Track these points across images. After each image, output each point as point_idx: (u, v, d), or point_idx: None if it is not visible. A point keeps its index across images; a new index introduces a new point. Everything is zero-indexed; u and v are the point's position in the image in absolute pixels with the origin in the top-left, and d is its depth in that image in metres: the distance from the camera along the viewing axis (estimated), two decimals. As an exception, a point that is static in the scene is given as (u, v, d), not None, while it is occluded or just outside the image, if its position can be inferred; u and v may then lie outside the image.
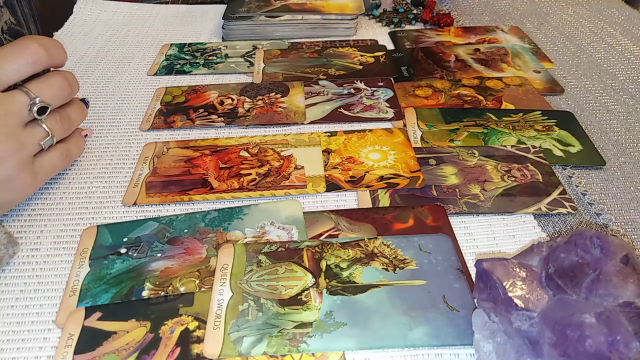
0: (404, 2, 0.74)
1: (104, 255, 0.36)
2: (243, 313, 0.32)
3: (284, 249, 0.36)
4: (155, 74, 0.58)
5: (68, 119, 0.40)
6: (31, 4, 0.39)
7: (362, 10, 0.65)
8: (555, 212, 0.39)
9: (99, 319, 0.32)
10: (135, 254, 0.36)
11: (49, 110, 0.36)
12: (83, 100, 0.43)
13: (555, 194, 0.41)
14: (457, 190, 0.41)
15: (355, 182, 0.42)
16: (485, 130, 0.48)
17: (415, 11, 0.71)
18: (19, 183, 0.36)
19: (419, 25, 0.69)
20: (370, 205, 0.40)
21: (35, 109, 0.35)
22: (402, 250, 0.35)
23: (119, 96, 0.54)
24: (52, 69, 0.38)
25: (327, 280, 0.33)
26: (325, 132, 0.48)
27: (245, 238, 0.37)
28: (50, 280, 0.35)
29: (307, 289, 0.33)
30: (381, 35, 0.66)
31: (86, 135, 0.45)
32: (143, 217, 0.39)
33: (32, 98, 0.35)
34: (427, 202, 0.40)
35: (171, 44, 0.64)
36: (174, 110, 0.51)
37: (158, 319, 0.31)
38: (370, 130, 0.48)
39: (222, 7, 0.70)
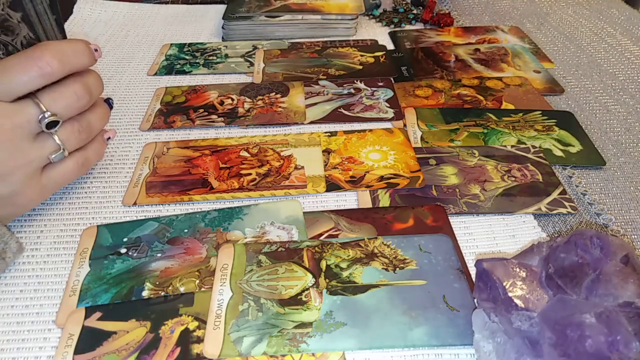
0: (404, 2, 0.74)
1: (104, 255, 0.36)
2: (243, 313, 0.32)
3: (284, 249, 0.36)
4: (155, 74, 0.58)
5: (87, 128, 0.37)
6: (58, 18, 0.37)
7: (362, 10, 0.65)
8: (555, 212, 0.39)
9: (99, 319, 0.32)
10: (135, 254, 0.36)
11: (60, 123, 0.34)
12: (107, 100, 0.40)
13: (555, 194, 0.41)
14: (457, 190, 0.41)
15: (355, 182, 0.42)
16: (485, 130, 0.48)
17: (415, 11, 0.71)
18: (23, 198, 0.34)
19: (419, 25, 0.69)
20: (370, 205, 0.40)
21: (44, 122, 0.33)
22: (402, 250, 0.35)
23: (119, 96, 0.54)
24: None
25: (327, 280, 0.33)
26: (325, 132, 0.48)
27: (245, 238, 0.37)
28: (50, 280, 0.35)
29: (307, 289, 0.33)
30: (381, 35, 0.66)
31: (109, 137, 0.41)
32: (143, 217, 0.39)
33: (42, 111, 0.33)
34: (427, 202, 0.40)
35: (171, 44, 0.64)
36: (174, 110, 0.51)
37: (158, 319, 0.31)
38: (370, 130, 0.48)
39: (222, 7, 0.70)
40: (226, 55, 0.61)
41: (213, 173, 0.43)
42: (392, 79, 0.56)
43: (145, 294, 0.33)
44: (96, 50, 0.36)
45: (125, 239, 0.37)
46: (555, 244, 0.28)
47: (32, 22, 0.35)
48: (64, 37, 0.38)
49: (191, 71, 0.58)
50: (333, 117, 0.50)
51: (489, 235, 0.38)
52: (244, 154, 0.45)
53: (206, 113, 0.51)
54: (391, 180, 0.42)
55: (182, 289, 0.33)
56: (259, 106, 0.51)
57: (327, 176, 0.42)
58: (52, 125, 0.34)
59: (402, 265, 0.34)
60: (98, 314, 0.32)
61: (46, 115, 0.33)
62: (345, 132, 0.48)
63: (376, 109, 0.51)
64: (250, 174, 0.43)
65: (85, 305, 0.33)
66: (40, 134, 0.34)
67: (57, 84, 0.34)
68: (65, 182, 0.38)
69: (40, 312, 0.33)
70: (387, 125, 0.49)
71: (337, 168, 0.43)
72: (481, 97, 0.53)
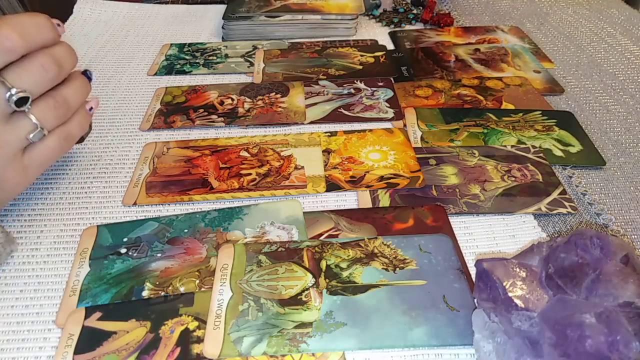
0: (404, 2, 0.74)
1: (104, 255, 0.36)
2: (243, 313, 0.32)
3: (284, 249, 0.36)
4: (155, 74, 0.58)
5: (64, 102, 0.35)
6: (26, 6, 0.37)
7: (362, 10, 0.65)
8: (555, 212, 0.39)
9: (99, 319, 0.32)
10: (135, 254, 0.36)
11: (31, 99, 0.32)
12: (85, 73, 0.38)
13: (555, 194, 0.41)
14: (457, 190, 0.41)
15: (355, 182, 0.42)
16: (485, 130, 0.48)
17: (415, 11, 0.71)
18: (6, 183, 0.33)
19: (419, 25, 0.69)
20: (370, 205, 0.40)
21: (12, 100, 0.31)
22: (402, 250, 0.35)
23: (119, 96, 0.54)
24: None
25: (327, 280, 0.33)
26: (325, 132, 0.48)
27: (245, 238, 0.37)
28: (50, 280, 0.35)
29: (307, 289, 0.33)
30: (381, 35, 0.66)
31: (91, 108, 0.39)
32: (143, 217, 0.39)
33: (8, 88, 0.31)
34: (427, 202, 0.40)
35: (171, 44, 0.64)
36: (174, 110, 0.51)
37: (158, 319, 0.31)
38: (370, 130, 0.48)
39: (222, 7, 0.70)
40: (226, 55, 0.61)
41: (213, 173, 0.43)
42: (392, 79, 0.56)
43: (145, 294, 0.33)
44: (59, 25, 0.34)
45: (125, 239, 0.37)
46: (555, 244, 0.28)
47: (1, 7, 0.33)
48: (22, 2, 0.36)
49: (191, 71, 0.58)
50: (333, 117, 0.50)
51: (489, 235, 0.38)
52: (244, 154, 0.45)
53: (206, 113, 0.51)
54: (391, 180, 0.42)
55: (182, 289, 0.33)
56: (259, 106, 0.51)
57: (327, 176, 0.42)
58: (22, 102, 0.32)
59: (402, 265, 0.34)
60: (98, 314, 0.32)
61: (13, 92, 0.31)
62: (345, 132, 0.48)
63: (376, 109, 0.51)
64: (250, 174, 0.43)
65: (85, 305, 0.33)
66: (13, 115, 0.32)
67: (21, 59, 0.32)
68: (50, 161, 0.36)
69: (40, 312, 0.33)
70: (387, 125, 0.49)
71: (337, 168, 0.43)
72: (481, 97, 0.53)
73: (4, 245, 0.34)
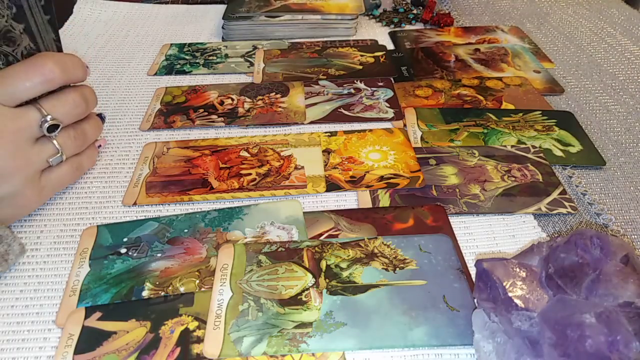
0: (404, 2, 0.74)
1: (104, 255, 0.36)
2: (243, 313, 0.32)
3: (284, 249, 0.36)
4: (155, 74, 0.58)
5: (83, 135, 0.39)
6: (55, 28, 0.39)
7: (362, 10, 0.65)
8: (555, 212, 0.39)
9: (99, 319, 0.32)
10: (135, 254, 0.36)
11: (60, 128, 0.36)
12: (100, 115, 0.43)
13: (555, 194, 0.41)
14: (457, 190, 0.41)
15: (355, 182, 0.42)
16: (485, 130, 0.48)
17: (415, 11, 0.71)
18: (23, 199, 0.36)
19: (419, 25, 0.69)
20: (370, 205, 0.40)
21: (45, 126, 0.35)
22: (402, 250, 0.35)
23: (119, 96, 0.54)
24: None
25: (327, 280, 0.33)
26: (325, 132, 0.48)
27: (245, 238, 0.37)
28: (50, 280, 0.35)
29: (307, 289, 0.33)
30: (381, 35, 0.66)
31: (100, 145, 0.44)
32: (143, 217, 0.39)
33: (44, 115, 0.35)
34: (427, 202, 0.40)
35: (171, 44, 0.64)
36: (174, 110, 0.51)
37: (158, 319, 0.31)
38: (370, 130, 0.48)
39: (222, 7, 0.70)
40: (226, 55, 0.61)
41: (213, 173, 0.43)
42: (392, 79, 0.56)
43: (145, 294, 0.33)
44: (87, 67, 0.39)
45: (125, 239, 0.37)
46: (555, 244, 0.28)
47: (33, 33, 0.37)
48: (58, 39, 0.40)
49: (191, 71, 0.58)
50: (333, 117, 0.50)
51: (489, 235, 0.38)
52: (244, 154, 0.45)
53: (206, 113, 0.51)
54: (391, 180, 0.42)
55: (182, 289, 0.33)
56: (259, 106, 0.51)
57: (327, 176, 0.42)
58: (52, 129, 0.36)
59: (402, 265, 0.34)
60: (98, 314, 0.32)
61: (47, 120, 0.35)
62: (345, 132, 0.48)
63: (376, 109, 0.51)
64: (250, 174, 0.43)
65: (85, 305, 0.33)
66: (40, 139, 0.36)
67: (57, 92, 0.36)
68: (62, 186, 0.40)
69: (40, 312, 0.33)
70: (387, 125, 0.49)
71: (337, 168, 0.43)
72: (481, 97, 0.53)
73: (17, 256, 0.35)
